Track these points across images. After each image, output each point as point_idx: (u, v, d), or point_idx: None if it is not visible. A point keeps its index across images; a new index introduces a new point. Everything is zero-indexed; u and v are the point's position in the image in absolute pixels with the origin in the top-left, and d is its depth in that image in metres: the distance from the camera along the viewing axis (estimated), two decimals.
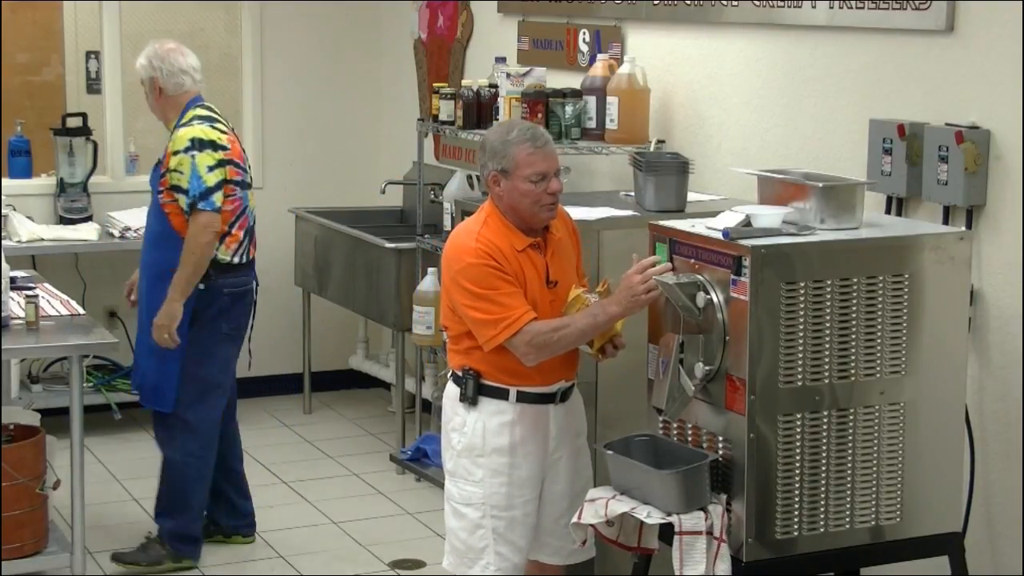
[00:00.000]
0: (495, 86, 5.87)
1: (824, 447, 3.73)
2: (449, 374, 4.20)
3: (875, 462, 3.79)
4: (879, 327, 3.76)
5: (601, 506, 3.83)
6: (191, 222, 5.27)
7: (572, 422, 4.20)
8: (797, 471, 3.71)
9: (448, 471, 4.21)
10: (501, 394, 4.08)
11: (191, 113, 5.39)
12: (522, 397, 4.08)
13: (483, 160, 4.09)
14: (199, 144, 5.29)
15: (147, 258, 5.48)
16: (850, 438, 3.76)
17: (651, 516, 3.73)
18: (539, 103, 5.53)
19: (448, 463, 4.20)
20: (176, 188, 5.30)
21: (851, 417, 3.75)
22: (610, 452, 3.88)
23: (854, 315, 3.72)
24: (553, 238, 4.13)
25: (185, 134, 5.31)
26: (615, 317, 3.98)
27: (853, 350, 3.73)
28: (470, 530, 4.14)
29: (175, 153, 5.29)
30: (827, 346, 3.70)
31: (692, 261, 3.81)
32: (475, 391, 4.09)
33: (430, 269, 6.07)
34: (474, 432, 4.11)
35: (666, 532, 3.75)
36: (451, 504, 4.18)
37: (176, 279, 5.27)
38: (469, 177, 6.39)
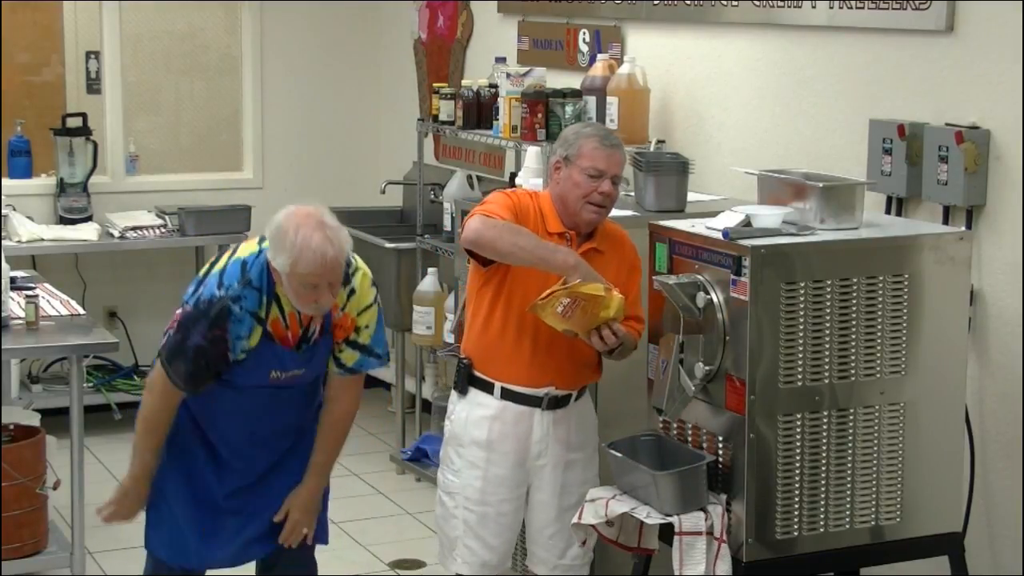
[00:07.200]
0: (495, 86, 5.87)
1: (824, 447, 3.73)
2: None
3: (875, 462, 3.79)
4: (879, 327, 3.76)
5: (601, 506, 3.83)
6: (355, 385, 4.10)
7: (564, 433, 4.13)
8: (797, 471, 3.71)
9: (440, 458, 4.26)
10: (487, 387, 4.10)
11: None
12: (507, 395, 4.08)
13: (554, 148, 4.12)
14: (376, 293, 4.08)
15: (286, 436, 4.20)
16: (850, 438, 3.76)
17: (651, 516, 3.73)
18: (539, 103, 5.52)
19: (441, 451, 4.26)
20: (353, 344, 4.02)
21: (851, 417, 3.75)
22: (612, 451, 3.88)
23: (854, 315, 3.72)
24: (593, 251, 4.07)
25: (367, 280, 4.04)
26: (564, 264, 3.87)
27: (853, 350, 3.73)
28: (446, 518, 4.18)
29: (367, 308, 4.01)
30: (827, 346, 3.70)
31: (692, 261, 3.81)
32: (466, 381, 4.12)
33: (430, 269, 6.07)
34: (458, 421, 4.15)
35: (666, 532, 3.75)
36: (438, 491, 4.24)
37: (326, 464, 4.25)
38: (469, 177, 6.39)
